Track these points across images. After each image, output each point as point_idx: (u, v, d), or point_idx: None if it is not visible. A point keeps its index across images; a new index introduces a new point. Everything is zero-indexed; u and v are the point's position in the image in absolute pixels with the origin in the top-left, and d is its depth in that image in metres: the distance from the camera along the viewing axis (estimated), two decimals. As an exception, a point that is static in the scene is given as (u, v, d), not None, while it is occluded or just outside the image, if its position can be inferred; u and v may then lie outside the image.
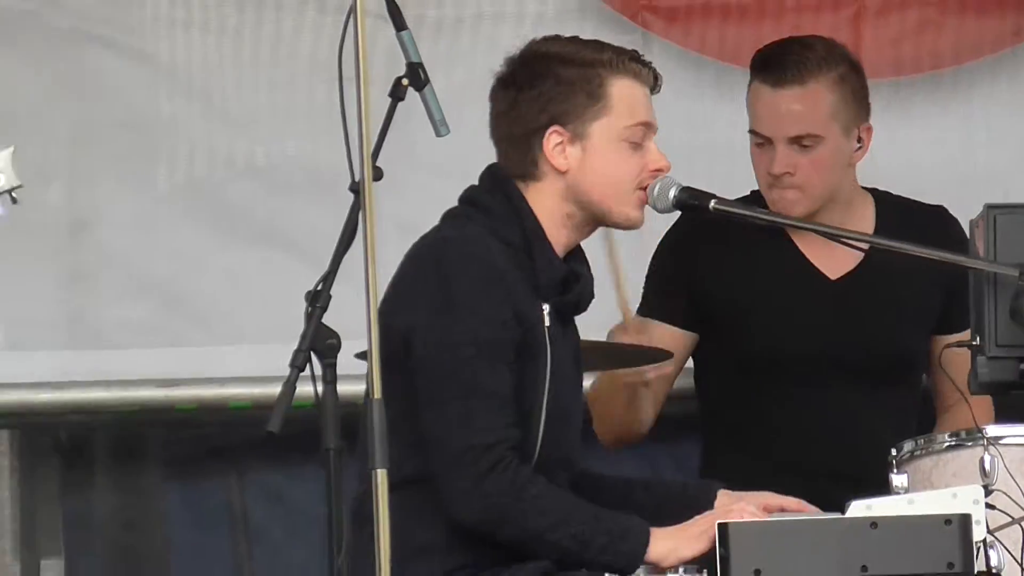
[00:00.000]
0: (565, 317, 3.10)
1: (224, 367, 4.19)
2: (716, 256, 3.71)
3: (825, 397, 3.77)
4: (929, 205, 3.85)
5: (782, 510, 3.03)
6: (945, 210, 3.81)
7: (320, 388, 2.80)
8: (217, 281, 4.22)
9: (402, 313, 2.97)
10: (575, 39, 3.21)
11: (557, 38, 3.21)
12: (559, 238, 3.06)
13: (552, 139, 3.02)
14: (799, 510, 3.01)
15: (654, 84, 3.09)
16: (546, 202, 3.06)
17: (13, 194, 2.73)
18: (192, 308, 4.26)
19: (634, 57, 3.11)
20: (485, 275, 2.97)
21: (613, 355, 3.56)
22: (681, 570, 3.02)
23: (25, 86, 4.23)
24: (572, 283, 3.11)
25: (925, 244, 3.39)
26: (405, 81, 2.89)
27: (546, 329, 3.02)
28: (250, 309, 4.20)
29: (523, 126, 3.06)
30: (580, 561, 2.96)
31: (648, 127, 3.05)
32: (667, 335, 3.73)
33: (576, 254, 3.13)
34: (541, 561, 2.95)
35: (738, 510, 2.94)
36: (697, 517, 2.90)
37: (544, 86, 3.07)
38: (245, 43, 4.31)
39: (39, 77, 4.28)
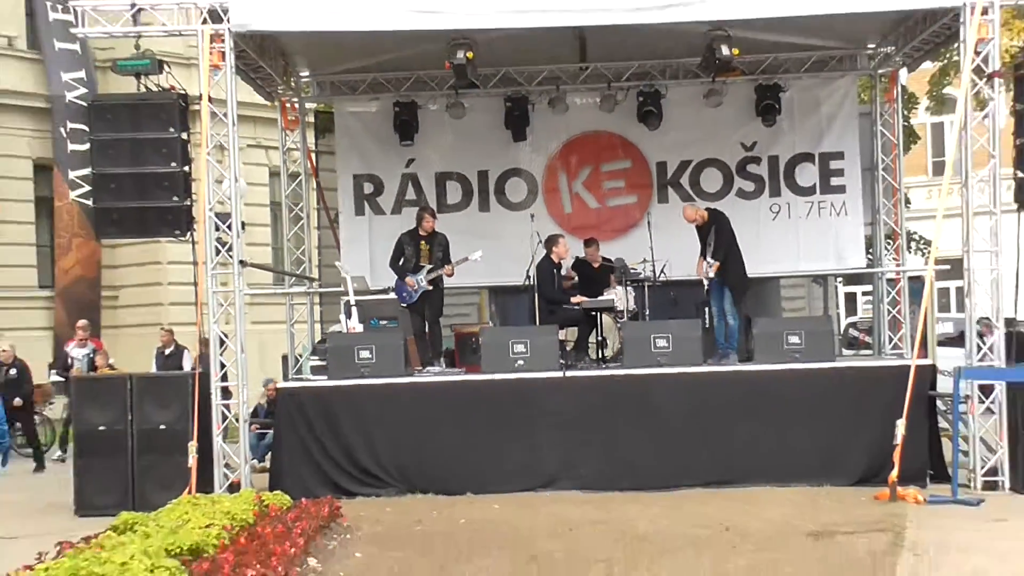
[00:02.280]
0: (562, 269, 18.31)
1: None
2: (581, 266, 18.51)
3: (591, 285, 18.38)
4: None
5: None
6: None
7: (532, 272, 17.50)
8: (509, 257, 18.67)
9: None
10: (559, 235, 18.73)
11: (556, 236, 18.62)
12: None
13: (554, 250, 18.28)
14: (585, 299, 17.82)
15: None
16: (552, 256, 18.19)
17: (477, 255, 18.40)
18: (495, 259, 18.62)
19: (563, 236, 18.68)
20: (550, 265, 18.14)
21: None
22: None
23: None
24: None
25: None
26: (539, 243, 18.20)
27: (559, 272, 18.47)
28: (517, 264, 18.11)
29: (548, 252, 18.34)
30: (562, 304, 18.05)
31: (566, 248, 18.40)
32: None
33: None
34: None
35: (578, 300, 18.01)
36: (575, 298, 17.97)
37: (556, 245, 18.24)
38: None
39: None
